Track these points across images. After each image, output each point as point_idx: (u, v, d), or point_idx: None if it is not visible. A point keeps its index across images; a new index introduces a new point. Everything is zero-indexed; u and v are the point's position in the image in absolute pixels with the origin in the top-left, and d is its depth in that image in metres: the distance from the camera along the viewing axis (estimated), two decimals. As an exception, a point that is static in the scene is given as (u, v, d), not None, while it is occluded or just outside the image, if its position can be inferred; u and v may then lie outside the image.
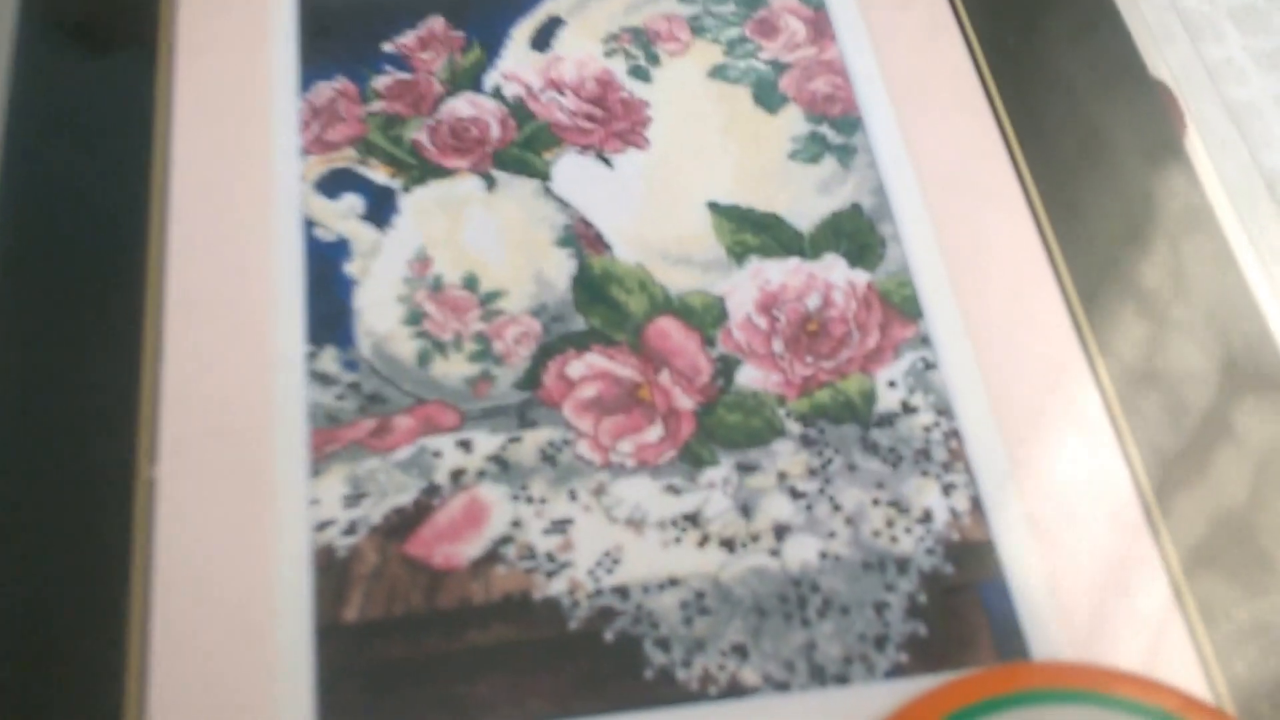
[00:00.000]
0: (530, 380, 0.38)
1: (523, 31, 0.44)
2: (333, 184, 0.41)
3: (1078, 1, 0.45)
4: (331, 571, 0.34)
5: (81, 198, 0.40)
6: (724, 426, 0.37)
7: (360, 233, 0.40)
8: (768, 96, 0.43)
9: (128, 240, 0.39)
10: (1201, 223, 0.40)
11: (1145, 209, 0.40)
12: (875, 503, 0.35)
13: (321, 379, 0.37)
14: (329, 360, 0.38)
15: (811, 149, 0.42)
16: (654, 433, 0.37)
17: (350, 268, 0.39)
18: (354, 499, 0.35)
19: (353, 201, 0.40)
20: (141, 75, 0.42)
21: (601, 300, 0.39)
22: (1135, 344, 0.38)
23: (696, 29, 0.44)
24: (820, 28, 0.44)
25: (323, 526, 0.35)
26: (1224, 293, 0.39)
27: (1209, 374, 0.37)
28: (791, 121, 0.42)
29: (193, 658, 0.33)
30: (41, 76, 0.42)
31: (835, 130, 0.42)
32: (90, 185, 0.40)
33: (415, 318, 0.39)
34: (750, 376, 0.38)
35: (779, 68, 0.43)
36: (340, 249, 0.40)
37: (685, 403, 0.37)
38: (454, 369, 0.38)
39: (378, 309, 0.39)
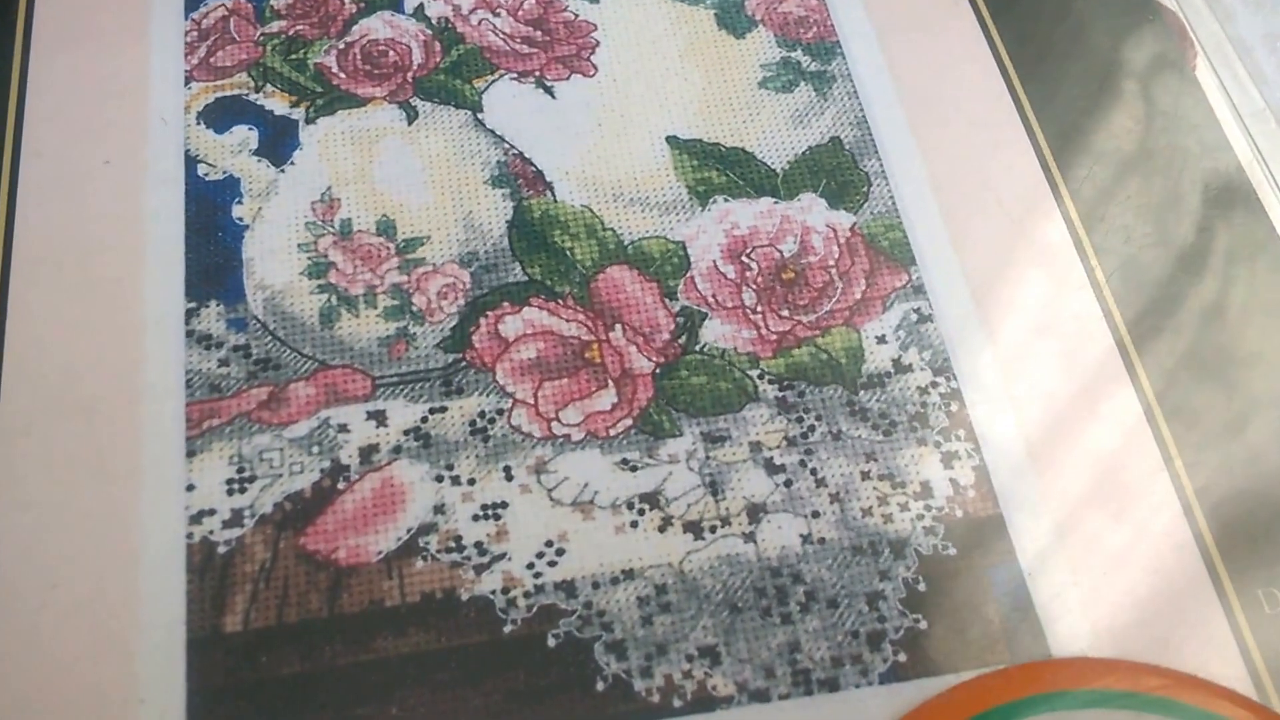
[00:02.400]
0: (457, 340, 0.32)
1: (448, -56, 0.38)
2: (221, 115, 0.35)
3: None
4: (210, 571, 0.28)
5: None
6: (687, 390, 0.32)
7: (253, 170, 0.34)
8: (733, 19, 0.38)
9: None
10: (1216, 155, 0.36)
11: (1156, 136, 0.36)
12: (865, 476, 0.30)
13: (202, 341, 0.32)
14: (211, 318, 0.32)
15: (784, 77, 0.37)
16: (605, 399, 0.31)
17: (240, 210, 0.33)
18: (239, 484, 0.29)
19: (244, 135, 0.35)
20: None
21: (542, 248, 0.34)
22: (1156, 293, 0.33)
23: (649, -56, 0.39)
24: (789, -57, 0.39)
25: (200, 517, 0.29)
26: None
27: (1239, 360, 0.33)
28: (761, 46, 0.37)
29: (37, 678, 0.27)
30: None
31: (810, 56, 0.37)
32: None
33: (319, 269, 0.33)
34: (717, 332, 0.33)
35: (744, -13, 0.38)
36: (228, 189, 0.34)
37: (642, 364, 0.32)
38: (365, 328, 0.32)
39: (273, 258, 0.33)
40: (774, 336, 0.33)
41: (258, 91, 0.35)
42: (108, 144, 0.34)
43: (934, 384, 0.32)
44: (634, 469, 0.30)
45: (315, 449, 0.30)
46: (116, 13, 0.36)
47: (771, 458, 0.31)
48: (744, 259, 0.34)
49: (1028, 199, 0.35)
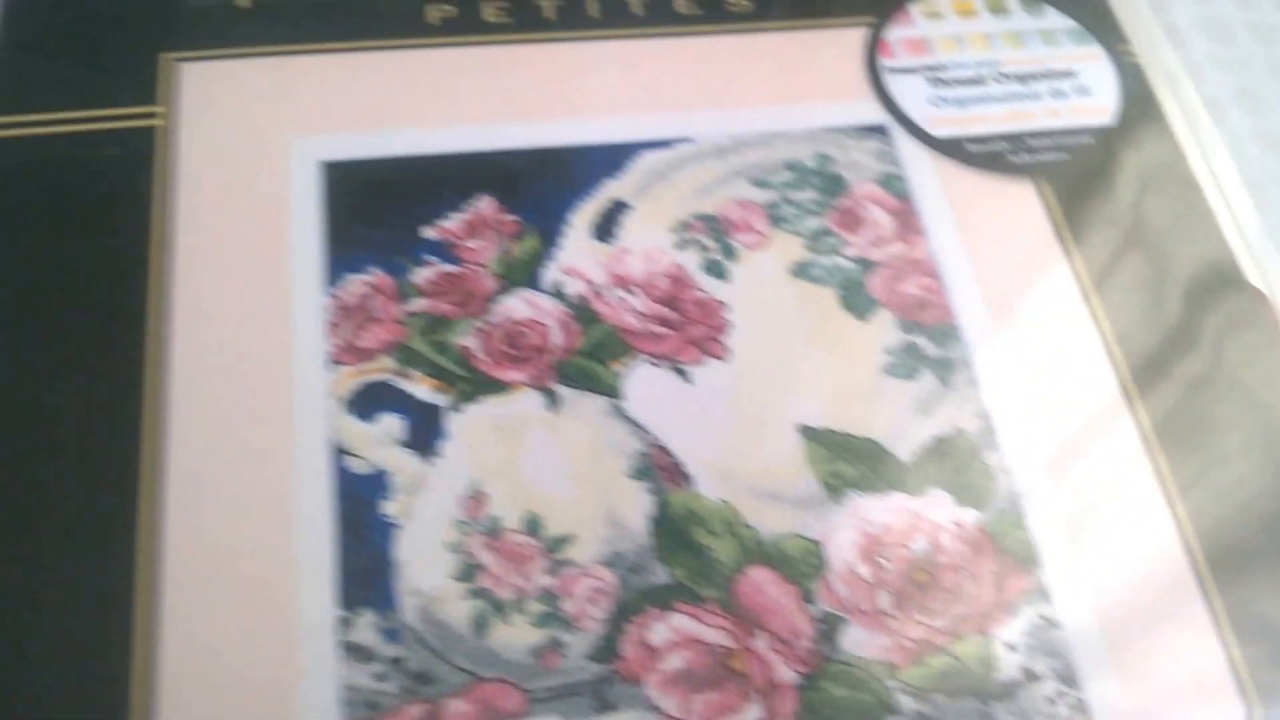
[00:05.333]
0: (607, 649, 0.29)
1: (583, 218, 0.36)
2: (367, 401, 0.32)
3: (1171, 189, 0.38)
4: None
5: (59, 421, 0.30)
6: (830, 704, 0.29)
7: (401, 463, 0.31)
8: (856, 299, 0.35)
9: (111, 504, 0.29)
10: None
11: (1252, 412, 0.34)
12: (1005, 805, 0.28)
13: (357, 653, 0.28)
14: (366, 629, 0.29)
15: (908, 363, 0.34)
16: (751, 715, 0.29)
17: (390, 507, 0.30)
18: (402, 824, 0.26)
19: (391, 423, 0.31)
20: (130, 261, 0.32)
21: (685, 546, 0.31)
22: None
23: (774, 218, 0.36)
24: (906, 220, 0.37)
25: None
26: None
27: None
28: (883, 329, 0.35)
29: None
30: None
31: (931, 341, 0.35)
32: (69, 408, 0.30)
33: (469, 571, 0.30)
34: (855, 639, 0.30)
35: (866, 265, 0.36)
36: (377, 484, 0.31)
37: (785, 674, 0.29)
38: (516, 636, 0.29)
39: (424, 560, 0.30)
40: (910, 644, 0.30)
41: (403, 375, 0.32)
42: (253, 436, 0.31)
43: (1061, 694, 0.30)
44: (785, 801, 0.28)
45: (476, 780, 0.27)
46: (257, 291, 0.33)
47: (916, 784, 0.28)
48: (878, 559, 0.31)
49: (1142, 495, 0.33)
